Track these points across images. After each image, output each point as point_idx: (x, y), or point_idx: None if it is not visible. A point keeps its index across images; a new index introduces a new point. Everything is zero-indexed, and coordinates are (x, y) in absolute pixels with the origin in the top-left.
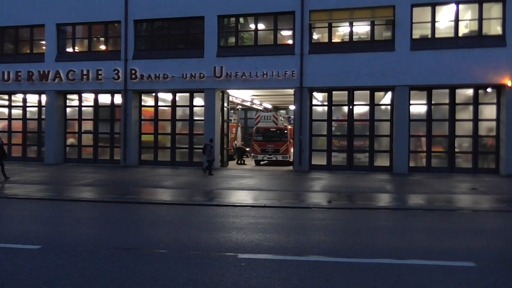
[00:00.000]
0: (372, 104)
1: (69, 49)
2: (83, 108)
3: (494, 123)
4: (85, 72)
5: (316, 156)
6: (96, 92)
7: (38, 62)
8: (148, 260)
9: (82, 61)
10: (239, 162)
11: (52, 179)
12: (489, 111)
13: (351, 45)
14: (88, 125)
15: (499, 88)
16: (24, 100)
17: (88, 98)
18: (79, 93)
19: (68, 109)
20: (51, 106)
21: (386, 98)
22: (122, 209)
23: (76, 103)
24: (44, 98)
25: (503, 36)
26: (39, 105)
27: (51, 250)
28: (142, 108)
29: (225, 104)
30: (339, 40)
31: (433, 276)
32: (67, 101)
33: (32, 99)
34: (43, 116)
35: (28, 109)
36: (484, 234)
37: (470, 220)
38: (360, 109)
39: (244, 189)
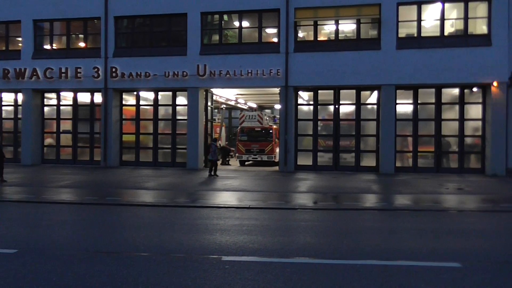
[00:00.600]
0: (358, 103)
1: (47, 46)
2: (61, 107)
3: (480, 123)
4: (63, 70)
5: (302, 156)
6: (75, 91)
7: (14, 59)
8: (129, 264)
9: (60, 59)
10: (223, 162)
11: (29, 180)
12: (475, 111)
13: (337, 43)
14: (66, 125)
15: (485, 88)
16: (0, 99)
17: (67, 97)
18: (57, 91)
19: (45, 108)
20: (28, 105)
21: (372, 98)
22: (102, 211)
23: (54, 102)
24: (20, 96)
25: (489, 35)
26: (15, 104)
27: (28, 254)
28: (123, 107)
29: (209, 103)
30: (325, 39)
31: (420, 277)
32: (45, 100)
33: (8, 97)
34: (19, 116)
35: (3, 108)
36: (470, 234)
37: (456, 220)
38: (346, 109)
39: (228, 190)
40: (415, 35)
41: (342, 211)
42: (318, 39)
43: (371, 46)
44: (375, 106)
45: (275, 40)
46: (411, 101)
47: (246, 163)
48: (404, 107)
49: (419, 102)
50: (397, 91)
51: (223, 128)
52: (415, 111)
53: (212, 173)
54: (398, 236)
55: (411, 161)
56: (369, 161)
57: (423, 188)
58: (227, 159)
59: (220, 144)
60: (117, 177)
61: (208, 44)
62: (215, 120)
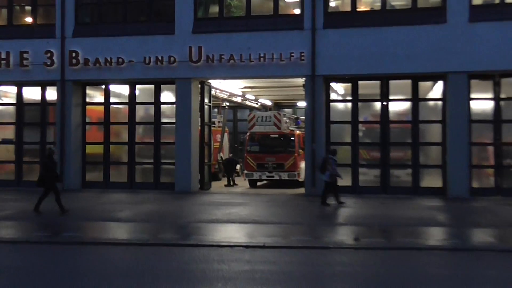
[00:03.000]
0: (416, 98)
1: None
2: (0, 107)
3: None
4: (3, 56)
5: None
6: (20, 84)
7: None
8: None
9: None
10: (228, 183)
11: None
12: None
13: (384, 15)
14: (7, 132)
15: None
16: None
17: (8, 93)
18: None
19: None
20: None
21: (435, 91)
22: (57, 253)
23: None
24: None
25: None
26: None
27: None
28: (87, 106)
29: (206, 100)
30: (367, 9)
31: None
32: None
33: None
34: None
35: None
36: None
37: None
38: (398, 106)
39: (234, 222)
40: (497, 0)
41: (394, 251)
42: (358, 9)
43: (433, 19)
44: (439, 103)
45: (297, 11)
46: (491, 95)
47: (259, 183)
48: (481, 103)
49: (502, 96)
50: (471, 81)
51: (226, 135)
52: (497, 109)
53: (327, 201)
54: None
55: (492, 180)
56: (432, 180)
57: None
58: (232, 177)
59: (221, 157)
60: (78, 204)
61: (204, 19)
62: (214, 123)
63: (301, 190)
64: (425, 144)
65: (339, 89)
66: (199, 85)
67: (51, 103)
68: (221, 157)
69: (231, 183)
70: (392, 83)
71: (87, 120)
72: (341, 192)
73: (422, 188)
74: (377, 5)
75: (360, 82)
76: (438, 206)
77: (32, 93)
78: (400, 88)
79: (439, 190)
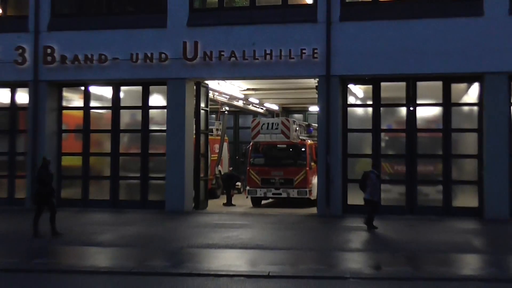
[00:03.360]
0: (447, 103)
1: None
2: None
3: None
4: None
5: (355, 190)
6: None
7: None
8: None
9: None
10: (227, 201)
11: None
12: None
13: (411, 6)
14: None
15: None
16: None
17: None
18: None
19: None
20: None
21: (471, 94)
22: (27, 283)
23: None
24: None
25: None
26: None
27: None
28: (64, 111)
29: (202, 105)
30: None
31: None
32: None
33: None
34: None
35: None
36: None
37: None
38: (427, 112)
39: (234, 247)
40: None
41: (422, 282)
42: None
43: (468, 10)
44: (475, 108)
45: (310, 1)
46: None
47: (263, 201)
48: None
49: None
50: None
51: (225, 145)
52: None
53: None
54: None
55: None
56: (466, 198)
57: None
58: (232, 195)
59: (220, 171)
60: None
61: (201, 10)
62: (212, 131)
63: (313, 210)
64: (459, 156)
65: (358, 91)
66: (195, 87)
67: (22, 107)
68: (220, 171)
69: (230, 201)
70: (420, 85)
71: (64, 127)
72: (358, 212)
73: (455, 208)
74: None
75: (382, 84)
76: (473, 229)
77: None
78: (429, 90)
79: (474, 210)
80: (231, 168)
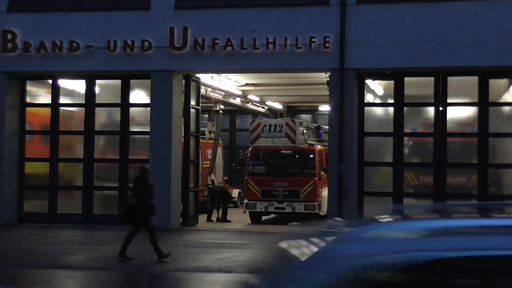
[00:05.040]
0: (484, 102)
1: None
2: None
3: None
4: None
5: (373, 204)
6: None
7: None
8: None
9: None
10: (222, 216)
11: None
12: None
13: None
14: None
15: None
16: None
17: None
18: None
19: None
20: None
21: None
22: None
23: None
24: None
25: None
26: None
27: None
28: (27, 108)
29: (193, 102)
30: None
31: None
32: None
33: None
34: None
35: None
36: None
37: None
38: (459, 112)
39: (228, 271)
40: None
41: None
42: None
43: None
44: None
45: None
46: None
47: (264, 217)
48: None
49: None
50: None
51: (219, 150)
52: None
53: None
54: None
55: None
56: None
57: None
58: (226, 208)
59: (213, 181)
60: (12, 244)
61: None
62: (204, 134)
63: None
64: (497, 166)
65: (377, 88)
66: (184, 81)
67: None
68: (213, 181)
69: (225, 217)
70: (452, 80)
71: (27, 127)
72: None
73: None
74: None
75: (406, 79)
76: None
77: None
78: (462, 87)
79: None
80: (226, 178)
